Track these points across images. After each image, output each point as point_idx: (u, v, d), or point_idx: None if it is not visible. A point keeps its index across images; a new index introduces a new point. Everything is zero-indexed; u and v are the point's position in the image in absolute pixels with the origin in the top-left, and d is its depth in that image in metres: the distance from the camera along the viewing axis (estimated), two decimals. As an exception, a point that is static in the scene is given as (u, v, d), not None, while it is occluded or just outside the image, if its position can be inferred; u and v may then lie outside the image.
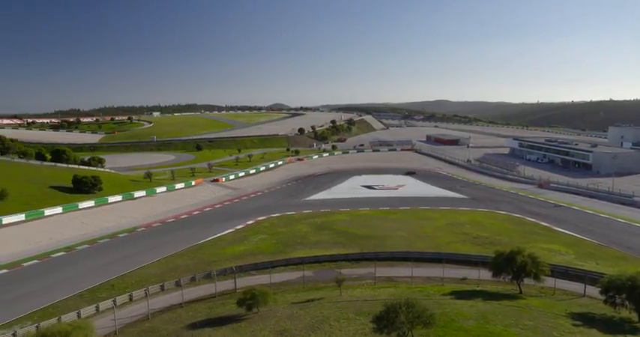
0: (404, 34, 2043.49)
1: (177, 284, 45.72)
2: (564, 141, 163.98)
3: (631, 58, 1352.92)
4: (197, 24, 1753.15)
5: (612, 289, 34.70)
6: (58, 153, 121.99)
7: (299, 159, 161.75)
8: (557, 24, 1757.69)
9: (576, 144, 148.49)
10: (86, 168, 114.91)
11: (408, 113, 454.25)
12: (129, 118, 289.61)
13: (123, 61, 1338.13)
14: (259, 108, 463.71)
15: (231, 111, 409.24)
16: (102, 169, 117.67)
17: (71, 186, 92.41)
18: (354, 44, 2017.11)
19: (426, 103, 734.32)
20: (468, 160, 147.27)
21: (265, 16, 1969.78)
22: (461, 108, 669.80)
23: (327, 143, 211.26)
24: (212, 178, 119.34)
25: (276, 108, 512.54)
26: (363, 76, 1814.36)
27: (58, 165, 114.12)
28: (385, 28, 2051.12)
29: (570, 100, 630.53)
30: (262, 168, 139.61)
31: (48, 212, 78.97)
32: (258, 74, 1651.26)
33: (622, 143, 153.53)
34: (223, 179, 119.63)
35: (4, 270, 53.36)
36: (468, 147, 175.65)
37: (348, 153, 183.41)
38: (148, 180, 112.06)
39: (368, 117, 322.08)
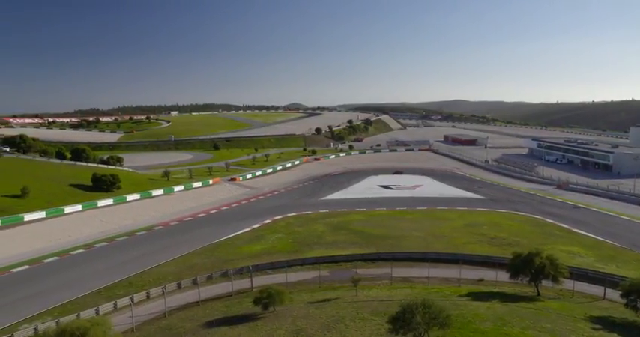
0: (422, 34, 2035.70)
1: (194, 283, 45.99)
2: (584, 141, 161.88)
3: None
4: (215, 24, 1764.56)
5: (633, 292, 34.00)
6: (77, 152, 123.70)
7: (316, 159, 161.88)
8: (579, 24, 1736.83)
9: (596, 145, 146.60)
10: (105, 166, 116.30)
11: (425, 113, 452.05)
12: (147, 118, 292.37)
13: (141, 60, 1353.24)
14: (276, 108, 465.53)
15: (248, 111, 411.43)
16: (120, 168, 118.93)
17: (90, 184, 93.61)
18: (372, 44, 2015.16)
19: (444, 103, 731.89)
20: (485, 160, 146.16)
21: (284, 16, 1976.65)
22: (479, 108, 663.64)
23: (344, 143, 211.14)
24: (229, 177, 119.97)
25: (293, 107, 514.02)
26: (380, 76, 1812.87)
27: (78, 163, 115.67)
28: (404, 28, 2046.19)
29: (591, 100, 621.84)
30: (279, 168, 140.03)
31: (68, 210, 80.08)
32: (276, 74, 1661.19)
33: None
34: (240, 178, 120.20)
35: (26, 266, 54.24)
36: (485, 147, 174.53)
37: (365, 153, 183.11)
38: (166, 178, 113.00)
39: (385, 117, 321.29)
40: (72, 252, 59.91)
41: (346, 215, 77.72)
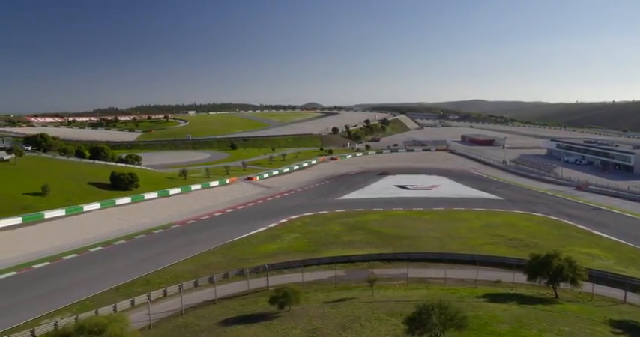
0: (440, 34, 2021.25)
1: (211, 281, 46.31)
2: (604, 142, 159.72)
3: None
4: (233, 23, 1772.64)
5: (655, 296, 33.53)
6: (96, 151, 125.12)
7: (332, 159, 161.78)
8: (600, 24, 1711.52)
9: (617, 146, 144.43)
10: (123, 165, 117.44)
11: (443, 113, 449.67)
12: (165, 117, 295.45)
13: (159, 60, 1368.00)
14: (293, 107, 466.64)
15: (265, 110, 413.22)
16: (138, 167, 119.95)
17: (109, 182, 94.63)
18: (389, 44, 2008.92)
19: (462, 103, 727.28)
20: (503, 161, 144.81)
21: (301, 16, 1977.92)
22: (497, 108, 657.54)
23: (361, 142, 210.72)
24: (246, 177, 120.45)
25: (310, 107, 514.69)
26: (397, 76, 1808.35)
27: (97, 162, 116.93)
28: (422, 28, 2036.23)
29: (611, 100, 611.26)
30: (296, 167, 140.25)
31: (87, 208, 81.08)
32: (293, 73, 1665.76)
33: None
34: (257, 177, 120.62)
35: (47, 263, 55.05)
36: (503, 147, 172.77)
37: (382, 152, 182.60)
38: (183, 177, 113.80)
39: (402, 117, 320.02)
40: (90, 250, 60.65)
41: (363, 215, 77.60)
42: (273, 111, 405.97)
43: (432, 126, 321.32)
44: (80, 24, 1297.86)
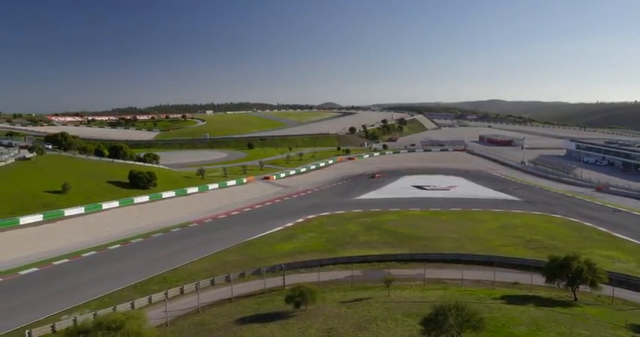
0: (457, 33, 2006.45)
1: (227, 280, 46.57)
2: (625, 143, 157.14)
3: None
4: (250, 23, 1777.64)
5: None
6: (115, 150, 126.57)
7: (349, 159, 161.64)
8: (622, 24, 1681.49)
9: (639, 147, 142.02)
10: (141, 164, 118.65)
11: (460, 113, 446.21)
12: (183, 116, 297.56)
13: (177, 60, 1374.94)
14: (310, 107, 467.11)
15: (282, 110, 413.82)
16: (157, 166, 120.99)
17: (127, 181, 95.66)
18: (407, 44, 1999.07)
19: (480, 103, 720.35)
20: (522, 162, 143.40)
21: (319, 15, 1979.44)
22: (515, 108, 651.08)
23: (378, 142, 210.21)
24: (263, 176, 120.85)
25: (328, 107, 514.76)
26: (415, 76, 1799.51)
27: (115, 161, 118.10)
28: (439, 27, 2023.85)
29: (633, 100, 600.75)
30: (313, 167, 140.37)
31: (105, 206, 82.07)
32: (310, 73, 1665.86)
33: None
34: (274, 177, 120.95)
35: (66, 259, 55.86)
36: (522, 148, 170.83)
37: (399, 152, 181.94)
38: (201, 176, 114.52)
39: (420, 117, 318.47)
40: (109, 247, 61.38)
41: (380, 215, 77.40)
42: (291, 110, 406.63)
43: (449, 127, 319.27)
44: (101, 24, 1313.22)
